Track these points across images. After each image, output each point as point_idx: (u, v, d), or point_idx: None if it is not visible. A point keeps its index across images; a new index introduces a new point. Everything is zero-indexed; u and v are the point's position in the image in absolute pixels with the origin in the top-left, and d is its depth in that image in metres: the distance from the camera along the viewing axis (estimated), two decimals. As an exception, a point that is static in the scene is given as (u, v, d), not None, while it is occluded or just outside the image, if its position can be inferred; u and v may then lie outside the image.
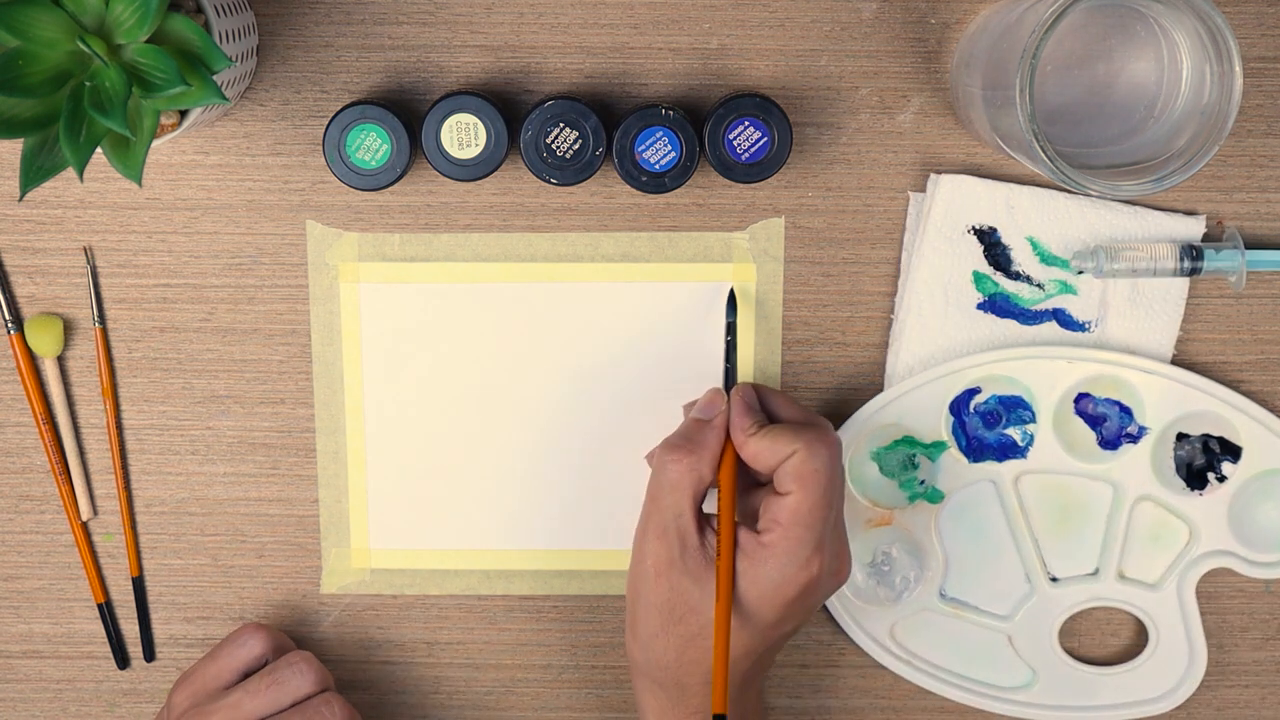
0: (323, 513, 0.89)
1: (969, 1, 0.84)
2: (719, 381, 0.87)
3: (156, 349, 0.87)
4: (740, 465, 0.81)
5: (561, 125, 0.81)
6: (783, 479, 0.78)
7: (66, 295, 0.86)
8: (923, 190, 0.85)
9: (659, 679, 0.80)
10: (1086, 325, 0.86)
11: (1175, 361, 0.87)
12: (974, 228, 0.85)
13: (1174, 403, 0.87)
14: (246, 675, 0.85)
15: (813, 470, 0.77)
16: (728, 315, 0.85)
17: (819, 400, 0.88)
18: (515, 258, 0.86)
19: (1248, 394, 0.87)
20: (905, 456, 0.88)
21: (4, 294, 0.86)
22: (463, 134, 0.81)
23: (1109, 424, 0.87)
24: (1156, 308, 0.86)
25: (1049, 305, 0.86)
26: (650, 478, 0.80)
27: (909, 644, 0.90)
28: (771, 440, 0.78)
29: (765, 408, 0.82)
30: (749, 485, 0.82)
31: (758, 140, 0.81)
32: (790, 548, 0.77)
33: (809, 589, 0.78)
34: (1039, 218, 0.85)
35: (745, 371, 0.87)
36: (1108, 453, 0.88)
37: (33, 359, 0.87)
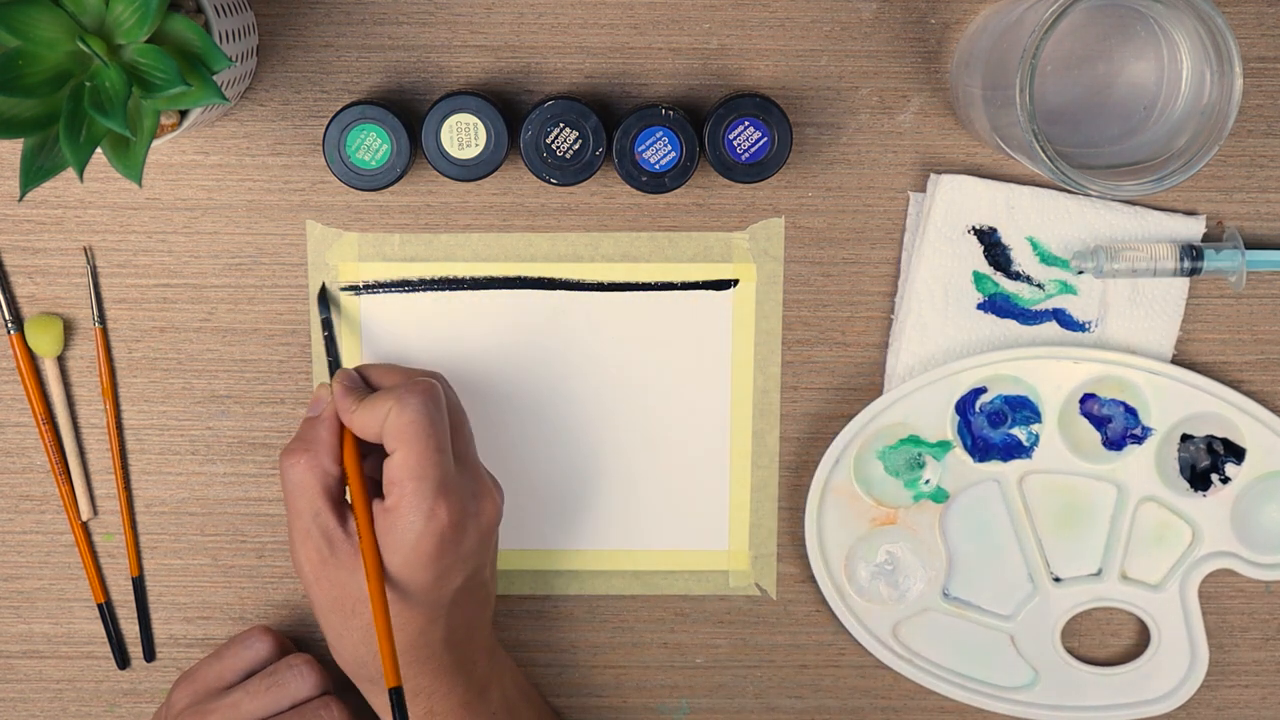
0: (323, 513, 0.89)
1: (969, 1, 0.84)
2: (720, 383, 0.87)
3: (156, 349, 0.87)
4: (374, 446, 0.80)
5: (561, 125, 0.81)
6: (387, 440, 0.77)
7: (66, 295, 0.86)
8: (923, 190, 0.85)
9: (366, 675, 0.80)
10: (1086, 325, 0.86)
11: (1175, 361, 0.87)
12: (974, 228, 0.85)
13: (1179, 404, 0.87)
14: (249, 677, 0.85)
15: (408, 422, 0.76)
16: (320, 311, 0.85)
17: (819, 400, 0.88)
18: (515, 258, 0.86)
19: (1248, 394, 0.87)
20: (910, 456, 0.88)
21: (4, 294, 0.86)
22: (463, 134, 0.81)
23: (1114, 424, 0.87)
24: (1156, 308, 0.86)
25: (1049, 305, 0.86)
26: (282, 486, 0.79)
27: (912, 643, 0.90)
28: (370, 408, 0.77)
29: (370, 383, 0.81)
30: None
31: (758, 140, 0.81)
32: (410, 503, 0.76)
33: (446, 537, 0.76)
34: (1039, 218, 0.85)
35: (745, 370, 0.87)
36: (1112, 453, 0.87)
37: (33, 359, 0.87)
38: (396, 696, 0.75)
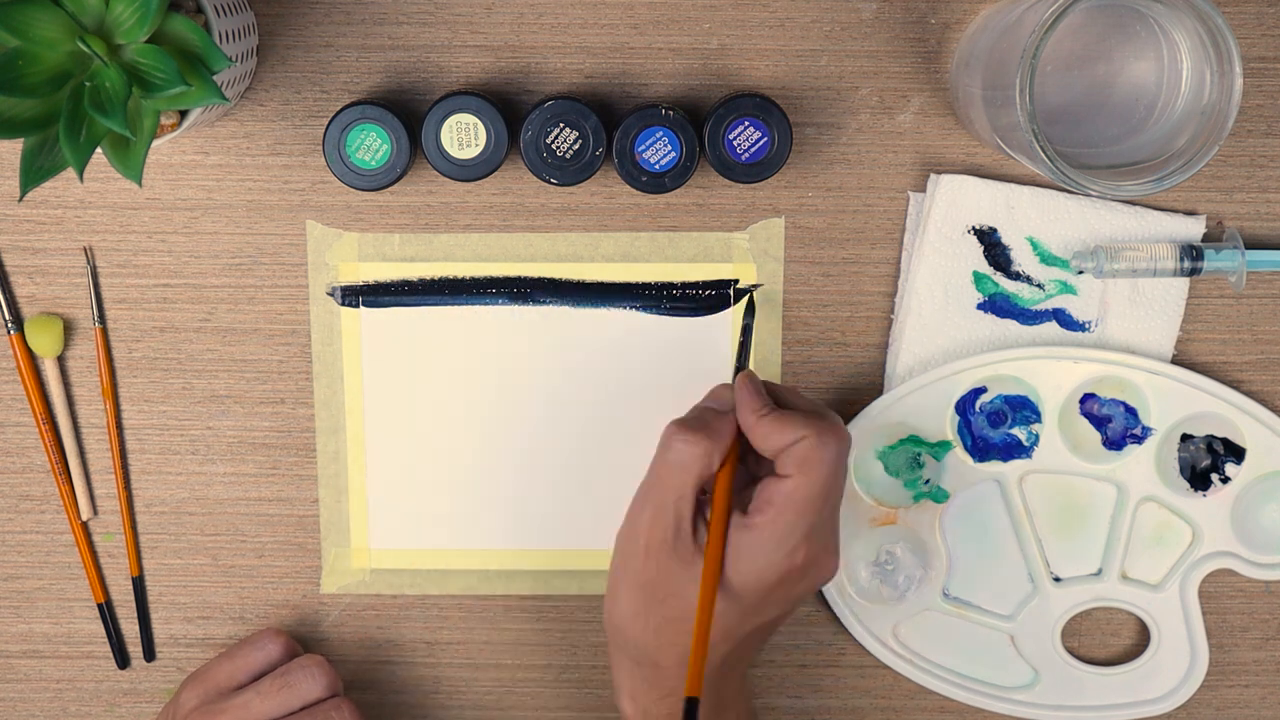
0: (323, 513, 0.89)
1: (969, 1, 0.84)
2: (711, 386, 0.87)
3: (156, 349, 0.87)
4: (741, 460, 0.80)
5: (561, 125, 0.81)
6: (785, 462, 0.76)
7: (66, 295, 0.86)
8: (923, 190, 0.85)
9: (635, 656, 0.79)
10: (1086, 325, 0.86)
11: (1175, 361, 0.87)
12: (974, 228, 0.85)
13: (1179, 404, 0.87)
14: (259, 678, 0.85)
15: (819, 458, 0.75)
16: (745, 318, 0.85)
17: (819, 400, 0.88)
18: (515, 258, 0.86)
19: (1248, 394, 0.87)
20: (910, 455, 0.88)
21: (4, 294, 0.86)
22: (463, 134, 0.81)
23: (1114, 424, 0.87)
24: (1156, 308, 0.86)
25: (1049, 305, 0.86)
26: (657, 455, 0.78)
27: (912, 643, 0.90)
28: (782, 423, 0.76)
29: (775, 398, 0.80)
30: (744, 482, 0.81)
31: (758, 140, 0.81)
32: (778, 532, 0.75)
33: (791, 577, 0.77)
34: (1039, 218, 0.85)
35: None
36: (1112, 453, 0.87)
37: (33, 359, 0.87)
38: (691, 706, 0.74)
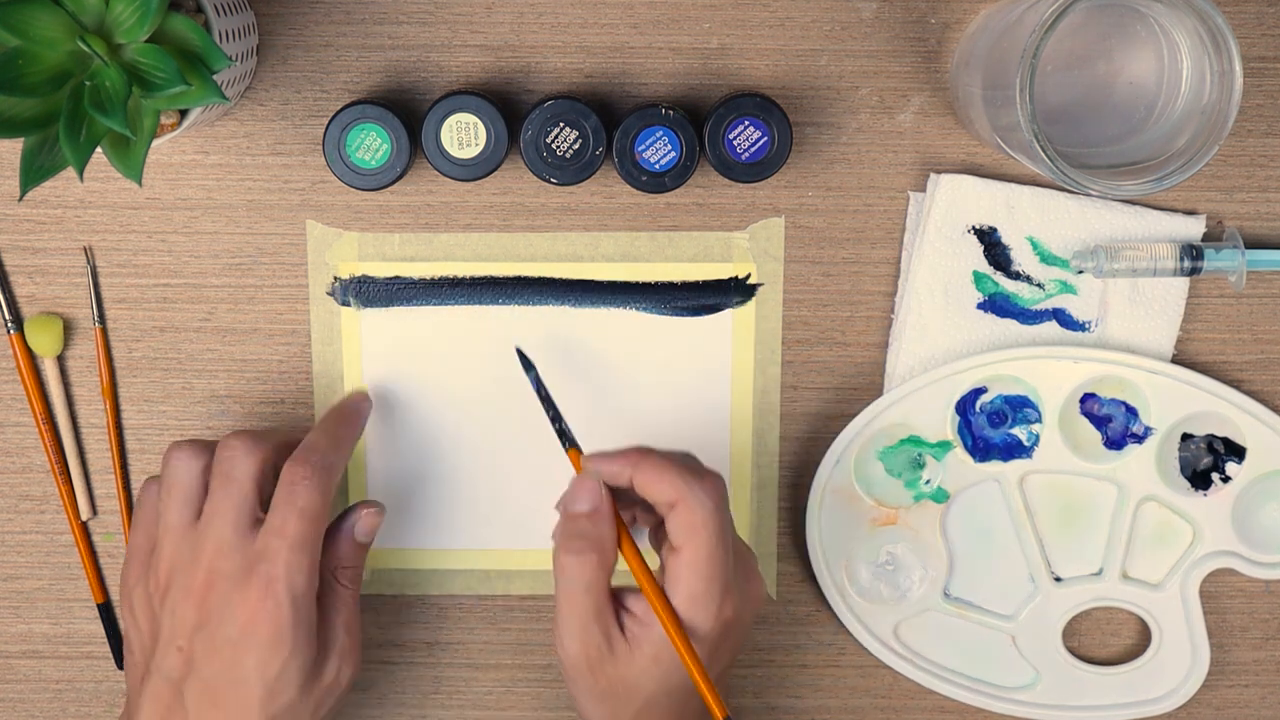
0: (323, 513, 0.89)
1: (969, 1, 0.84)
2: (720, 382, 0.87)
3: (156, 349, 0.87)
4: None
5: (561, 125, 0.81)
6: (674, 533, 0.76)
7: (66, 295, 0.86)
8: (923, 190, 0.85)
9: None
10: (1086, 325, 0.86)
11: (1175, 361, 0.87)
12: (974, 228, 0.85)
13: (1179, 403, 0.87)
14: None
15: (700, 523, 0.76)
16: (528, 374, 0.83)
17: (819, 400, 0.88)
18: (515, 258, 0.86)
19: (1248, 393, 0.87)
20: (911, 456, 0.88)
21: (4, 294, 0.86)
22: (463, 134, 0.81)
23: (1114, 424, 0.87)
24: (1156, 308, 0.86)
25: (1049, 305, 0.86)
26: (557, 581, 0.78)
27: (913, 643, 0.90)
28: (658, 473, 0.77)
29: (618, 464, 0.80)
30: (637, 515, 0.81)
31: (758, 140, 0.81)
32: (698, 602, 0.76)
33: (729, 628, 0.77)
34: (1039, 218, 0.85)
35: (745, 370, 0.87)
36: (1113, 453, 0.87)
37: (33, 359, 0.87)
38: None
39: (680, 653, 0.76)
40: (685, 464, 0.78)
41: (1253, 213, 0.86)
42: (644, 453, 0.78)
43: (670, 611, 0.76)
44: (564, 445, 0.81)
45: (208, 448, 0.80)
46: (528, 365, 0.83)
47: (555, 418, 0.82)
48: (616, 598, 0.78)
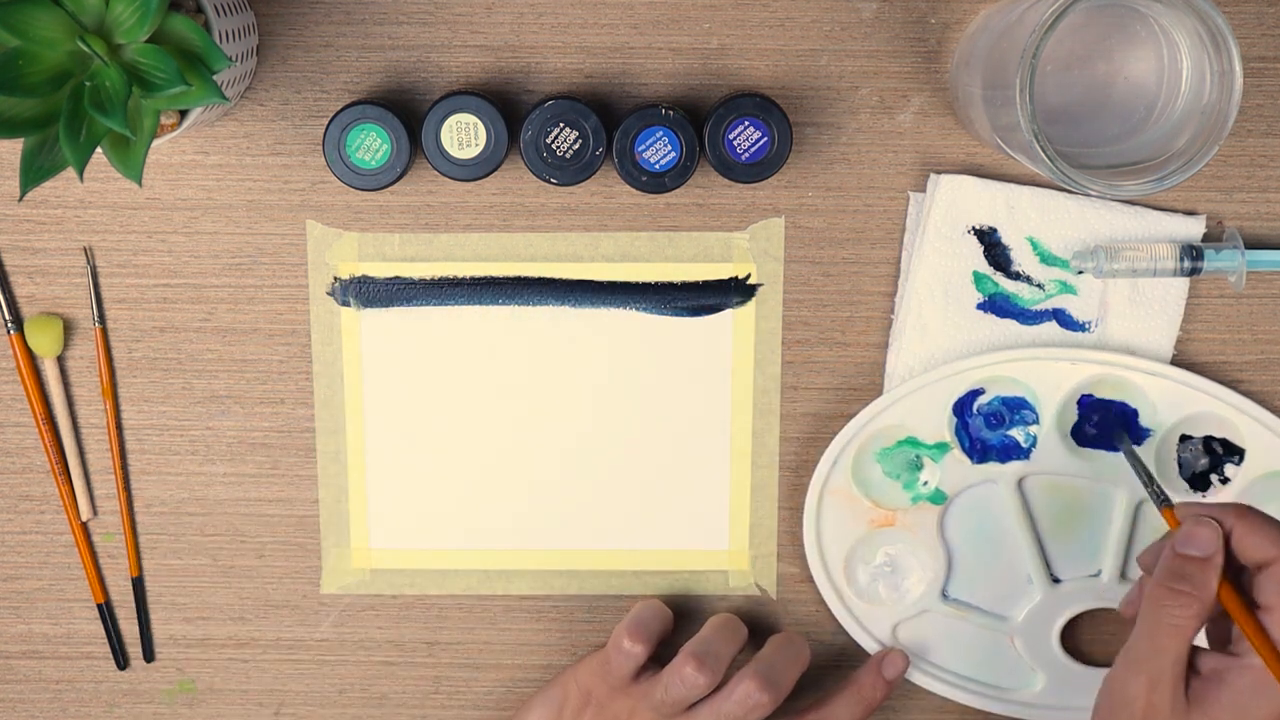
0: (323, 513, 0.89)
1: (969, 1, 0.84)
2: (720, 382, 0.87)
3: (156, 349, 0.87)
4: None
5: (561, 125, 0.81)
6: (1268, 591, 0.72)
7: (66, 295, 0.86)
8: (923, 190, 0.85)
9: None
10: (1086, 325, 0.86)
11: (1175, 361, 0.87)
12: (974, 228, 0.85)
13: (1177, 404, 0.87)
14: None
15: None
16: (1123, 445, 0.85)
17: (819, 400, 0.88)
18: (515, 258, 0.86)
19: (1247, 394, 0.87)
20: (909, 457, 0.88)
21: (4, 294, 0.86)
22: (463, 134, 0.81)
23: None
24: (1156, 308, 0.86)
25: (1049, 305, 0.86)
26: (1147, 615, 0.74)
27: (912, 645, 0.90)
28: (1258, 529, 0.73)
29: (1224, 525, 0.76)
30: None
31: (758, 140, 0.81)
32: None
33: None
34: (1039, 218, 0.85)
35: (745, 370, 0.87)
36: (1111, 454, 0.87)
37: (33, 359, 0.87)
38: None
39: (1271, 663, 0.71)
40: None
41: (1253, 213, 0.86)
42: (1244, 508, 0.75)
43: (1269, 643, 0.72)
44: (1158, 505, 0.79)
45: (717, 676, 0.85)
46: (1130, 454, 0.84)
47: (1149, 480, 0.81)
48: (1192, 660, 0.74)
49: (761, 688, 0.84)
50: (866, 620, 0.89)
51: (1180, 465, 0.88)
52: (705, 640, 0.86)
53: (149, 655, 0.91)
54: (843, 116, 0.85)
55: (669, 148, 0.81)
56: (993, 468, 0.88)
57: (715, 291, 0.86)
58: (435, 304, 0.86)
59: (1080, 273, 0.85)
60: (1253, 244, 0.86)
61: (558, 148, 0.81)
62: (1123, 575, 0.89)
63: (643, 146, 0.81)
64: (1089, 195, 0.84)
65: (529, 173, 0.83)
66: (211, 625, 0.90)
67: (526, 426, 0.88)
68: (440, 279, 0.86)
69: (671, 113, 0.81)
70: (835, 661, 0.91)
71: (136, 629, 0.90)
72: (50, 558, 0.90)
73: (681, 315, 0.87)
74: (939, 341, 0.86)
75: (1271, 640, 0.72)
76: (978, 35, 0.80)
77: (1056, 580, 0.89)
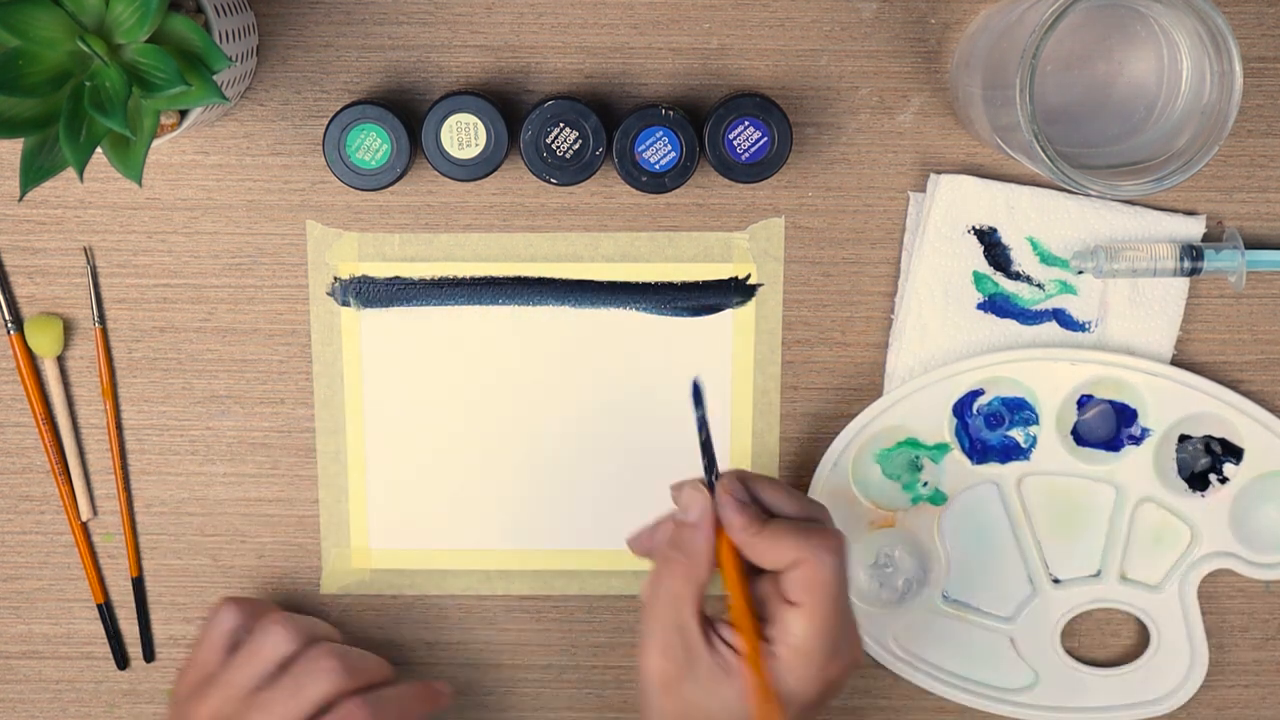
0: (323, 513, 0.89)
1: (969, 1, 0.84)
2: (720, 383, 0.87)
3: (156, 349, 0.87)
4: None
5: (561, 125, 0.81)
6: (791, 588, 0.74)
7: (66, 295, 0.86)
8: (923, 190, 0.85)
9: None
10: (1086, 325, 0.86)
11: (1175, 362, 0.87)
12: (974, 228, 0.85)
13: (1176, 404, 0.87)
14: (235, 649, 0.84)
15: (821, 581, 0.74)
16: (695, 410, 0.77)
17: (819, 400, 0.88)
18: (515, 258, 0.86)
19: (1247, 394, 0.87)
20: (909, 458, 0.88)
21: (4, 294, 0.86)
22: (463, 134, 0.81)
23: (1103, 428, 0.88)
24: (1156, 308, 0.86)
25: (1049, 305, 0.86)
26: (646, 590, 0.77)
27: (911, 645, 0.90)
28: (776, 544, 0.75)
29: (757, 498, 0.78)
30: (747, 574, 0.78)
31: (758, 140, 0.81)
32: (807, 660, 0.74)
33: (829, 688, 0.75)
34: (1039, 218, 0.85)
35: (745, 370, 0.87)
36: (1110, 454, 0.87)
37: (33, 359, 0.87)
38: None
39: (756, 686, 0.73)
40: (807, 526, 0.76)
41: (1253, 213, 0.86)
42: (766, 522, 0.76)
43: (758, 643, 0.74)
44: (707, 481, 0.78)
45: (305, 639, 0.83)
46: (699, 402, 0.78)
47: (710, 463, 0.78)
48: (713, 623, 0.76)
49: (361, 707, 0.81)
50: (865, 620, 0.89)
51: (1180, 465, 0.88)
52: (363, 657, 0.85)
53: (149, 655, 0.91)
54: (843, 116, 0.85)
55: (669, 148, 0.81)
56: (993, 468, 0.88)
57: (715, 291, 0.86)
58: (435, 304, 0.86)
59: (1080, 273, 0.85)
60: (1253, 244, 0.86)
61: (558, 148, 0.81)
62: (1123, 575, 0.89)
63: (643, 146, 0.81)
64: (1089, 195, 0.84)
65: (529, 173, 0.83)
66: (211, 625, 0.90)
67: (526, 426, 0.88)
68: (440, 279, 0.86)
69: (671, 113, 0.81)
70: (835, 661, 0.91)
71: (136, 629, 0.90)
72: (50, 558, 0.90)
73: (681, 315, 0.87)
74: (939, 341, 0.86)
75: (756, 622, 0.74)
76: (978, 35, 0.80)
77: (1056, 581, 0.89)
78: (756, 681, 0.74)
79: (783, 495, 0.77)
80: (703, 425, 0.77)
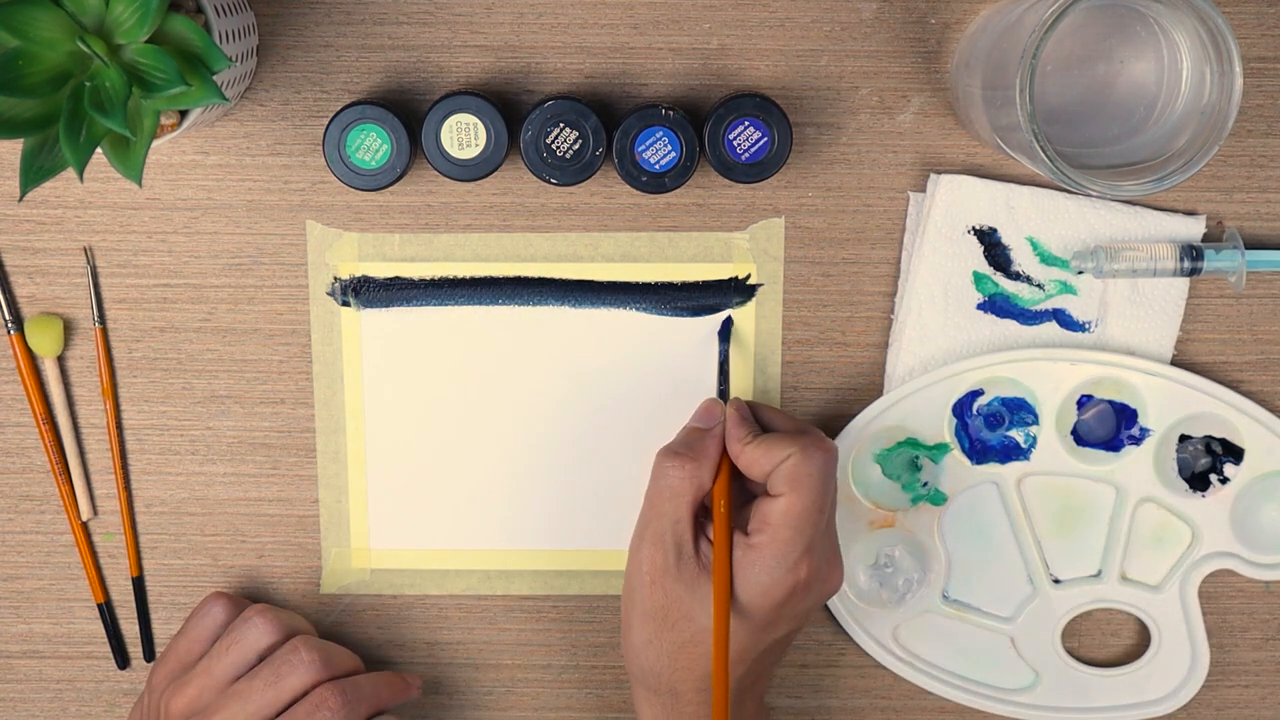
0: (323, 513, 0.89)
1: (969, 1, 0.84)
2: (711, 386, 0.87)
3: (156, 349, 0.87)
4: (736, 478, 0.81)
5: (561, 125, 0.81)
6: (776, 482, 0.78)
7: (66, 295, 0.86)
8: (923, 190, 0.85)
9: (653, 686, 0.80)
10: (1086, 325, 0.86)
11: (1175, 362, 0.87)
12: (974, 228, 0.85)
13: (1176, 404, 0.87)
14: (215, 642, 0.86)
15: (806, 474, 0.77)
16: (720, 344, 0.86)
17: (819, 400, 0.88)
18: (515, 258, 0.86)
19: (1247, 394, 0.87)
20: (908, 458, 0.88)
21: (4, 294, 0.86)
22: (463, 134, 0.81)
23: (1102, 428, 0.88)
24: (1156, 308, 0.86)
25: (1049, 305, 0.86)
26: (650, 484, 0.80)
27: (911, 646, 0.90)
28: (767, 447, 0.78)
29: (760, 421, 0.82)
30: (743, 500, 0.82)
31: (758, 140, 0.81)
32: (779, 550, 0.77)
33: (797, 592, 0.78)
34: (1039, 218, 0.85)
35: (745, 374, 0.87)
36: (1110, 454, 0.87)
37: (33, 359, 0.87)
38: None
39: (716, 604, 0.76)
40: (800, 434, 0.79)
41: (1253, 213, 0.86)
42: (763, 434, 0.80)
43: (727, 554, 0.77)
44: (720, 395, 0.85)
45: (285, 632, 0.84)
46: (725, 337, 0.86)
47: (724, 387, 0.86)
48: (704, 526, 0.79)
49: (335, 692, 0.83)
50: (866, 621, 0.89)
51: (1180, 465, 0.88)
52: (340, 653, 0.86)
53: (149, 655, 0.91)
54: (843, 116, 0.85)
55: (669, 148, 0.81)
56: (992, 468, 0.88)
57: (715, 291, 0.86)
58: (435, 304, 0.86)
59: (1080, 273, 0.85)
60: (1253, 244, 0.86)
61: (558, 148, 0.81)
62: (1123, 576, 0.89)
63: (643, 146, 0.81)
64: (1089, 195, 0.84)
65: (529, 173, 0.83)
66: (211, 625, 0.90)
67: (527, 426, 0.88)
68: (440, 279, 0.86)
69: (671, 113, 0.81)
70: (835, 661, 0.91)
71: (137, 629, 0.90)
72: (50, 558, 0.90)
73: (681, 315, 0.87)
74: (939, 342, 0.86)
75: (730, 542, 0.77)
76: (978, 35, 0.80)
77: (1057, 581, 0.89)
78: (717, 574, 0.77)
79: (782, 418, 0.82)
80: (724, 357, 0.86)
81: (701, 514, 0.80)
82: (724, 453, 0.80)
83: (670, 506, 0.79)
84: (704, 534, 0.79)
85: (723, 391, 0.85)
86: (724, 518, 0.78)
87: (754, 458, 0.79)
